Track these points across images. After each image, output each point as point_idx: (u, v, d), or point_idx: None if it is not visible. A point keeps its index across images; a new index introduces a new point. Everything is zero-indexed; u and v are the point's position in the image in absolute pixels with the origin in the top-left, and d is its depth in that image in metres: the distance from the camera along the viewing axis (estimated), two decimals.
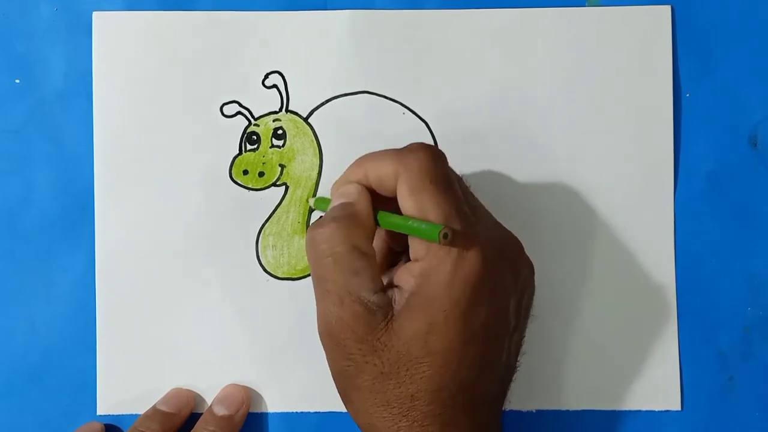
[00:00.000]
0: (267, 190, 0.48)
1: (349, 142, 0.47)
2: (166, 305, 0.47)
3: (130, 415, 0.47)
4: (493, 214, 0.43)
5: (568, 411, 0.48)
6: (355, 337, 0.39)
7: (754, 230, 0.48)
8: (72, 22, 0.48)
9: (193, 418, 0.47)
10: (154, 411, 0.46)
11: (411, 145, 0.41)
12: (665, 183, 0.48)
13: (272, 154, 0.48)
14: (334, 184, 0.43)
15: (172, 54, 0.48)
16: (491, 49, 0.48)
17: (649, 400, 0.48)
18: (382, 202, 0.41)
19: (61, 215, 0.48)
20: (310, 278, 0.47)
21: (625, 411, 0.48)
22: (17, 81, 0.48)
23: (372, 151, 0.42)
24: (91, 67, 0.48)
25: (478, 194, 0.43)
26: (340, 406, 0.41)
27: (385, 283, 0.40)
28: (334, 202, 0.42)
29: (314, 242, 0.40)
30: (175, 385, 0.47)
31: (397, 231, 0.40)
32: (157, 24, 0.48)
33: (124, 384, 0.47)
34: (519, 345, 0.43)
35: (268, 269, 0.48)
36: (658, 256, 0.48)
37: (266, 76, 0.48)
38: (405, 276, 0.39)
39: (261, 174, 0.48)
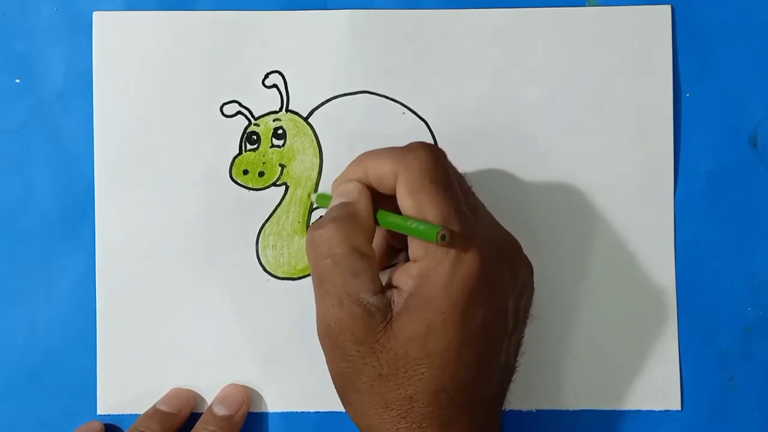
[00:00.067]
0: (267, 189, 0.48)
1: (349, 142, 0.47)
2: (166, 305, 0.47)
3: (130, 415, 0.47)
4: (493, 214, 0.43)
5: (567, 411, 0.48)
6: (354, 339, 0.39)
7: (754, 230, 0.48)
8: (72, 22, 0.48)
9: (193, 418, 0.47)
10: (154, 411, 0.46)
11: (411, 144, 0.41)
12: (665, 183, 0.48)
13: (272, 153, 0.48)
14: (335, 181, 0.43)
15: (172, 54, 0.48)
16: (491, 49, 0.48)
17: (649, 400, 0.48)
18: (382, 199, 0.41)
19: (61, 215, 0.48)
20: (309, 278, 0.47)
21: (625, 411, 0.48)
22: (17, 81, 0.48)
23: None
24: (91, 67, 0.48)
25: (477, 194, 0.43)
26: (340, 406, 0.41)
27: (384, 282, 0.40)
28: (334, 201, 0.42)
29: (314, 243, 0.40)
30: (175, 385, 0.47)
31: (395, 231, 0.40)
32: (157, 24, 0.48)
33: (124, 384, 0.47)
34: (518, 345, 0.43)
35: (268, 269, 0.48)
36: (658, 256, 0.48)
37: (266, 76, 0.48)
38: (403, 277, 0.39)
39: (261, 174, 0.48)
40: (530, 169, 0.48)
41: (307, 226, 0.48)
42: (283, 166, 0.48)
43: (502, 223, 0.43)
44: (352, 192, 0.41)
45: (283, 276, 0.48)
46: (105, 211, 0.47)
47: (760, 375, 0.48)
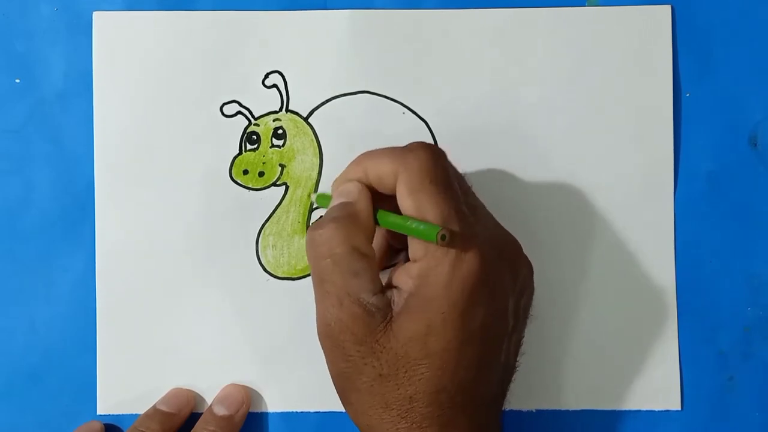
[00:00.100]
0: (267, 189, 0.48)
1: (349, 142, 0.47)
2: (166, 305, 0.47)
3: (130, 415, 0.47)
4: (493, 214, 0.43)
5: (567, 411, 0.48)
6: (354, 339, 0.39)
7: (754, 230, 0.48)
8: (72, 22, 0.48)
9: (193, 418, 0.47)
10: (154, 411, 0.46)
11: (411, 144, 0.41)
12: (665, 183, 0.48)
13: (272, 153, 0.48)
14: (335, 182, 0.43)
15: (172, 54, 0.48)
16: (491, 49, 0.48)
17: (649, 400, 0.48)
18: (382, 199, 0.41)
19: (61, 215, 0.48)
20: (310, 278, 0.47)
21: (625, 411, 0.48)
22: (17, 81, 0.48)
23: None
24: (91, 67, 0.48)
25: (477, 194, 0.43)
26: (340, 406, 0.41)
27: (384, 282, 0.40)
28: (334, 201, 0.42)
29: (314, 243, 0.40)
30: (175, 385, 0.47)
31: (395, 231, 0.40)
32: (157, 24, 0.48)
33: (124, 384, 0.47)
34: (518, 345, 0.43)
35: (268, 269, 0.48)
36: (658, 256, 0.48)
37: (266, 76, 0.48)
38: (403, 277, 0.39)
39: (261, 174, 0.48)
40: (530, 169, 0.48)
41: (307, 226, 0.48)
42: (283, 166, 0.48)
43: (502, 224, 0.43)
44: (352, 192, 0.41)
45: (283, 276, 0.48)
46: (105, 211, 0.47)
47: (760, 375, 0.48)
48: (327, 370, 0.41)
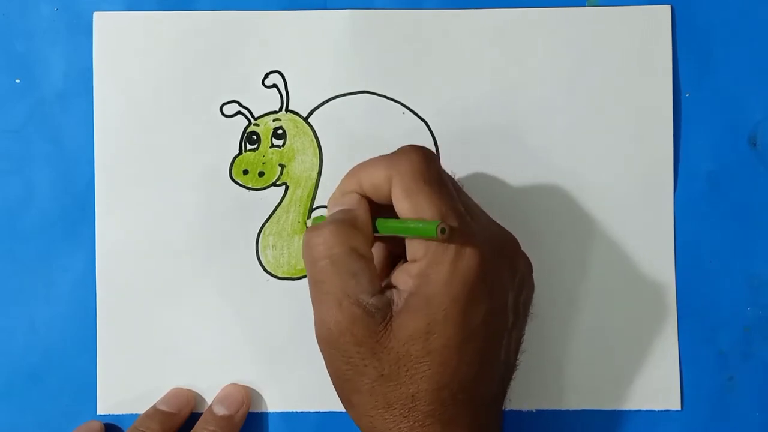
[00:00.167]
0: (267, 189, 0.48)
1: (349, 141, 0.47)
2: (166, 305, 0.47)
3: (130, 415, 0.47)
4: (493, 214, 0.43)
5: (568, 411, 0.48)
6: (354, 341, 0.39)
7: (754, 230, 0.48)
8: (72, 22, 0.48)
9: (193, 418, 0.47)
10: (154, 411, 0.46)
11: (402, 148, 0.41)
12: (665, 183, 0.48)
13: (272, 153, 0.48)
14: (330, 198, 0.43)
15: (172, 54, 0.48)
16: (491, 49, 0.48)
17: (649, 400, 0.48)
18: (380, 212, 0.41)
19: (61, 215, 0.48)
20: None
21: (625, 411, 0.48)
22: (17, 81, 0.48)
23: (371, 152, 0.42)
24: (91, 67, 0.48)
25: (477, 194, 0.43)
26: (340, 406, 0.41)
27: (382, 284, 0.40)
28: (333, 210, 0.42)
29: (311, 245, 0.40)
30: (175, 385, 0.47)
31: (395, 235, 0.40)
32: (157, 24, 0.48)
33: (124, 384, 0.47)
34: (518, 343, 0.43)
35: (268, 269, 0.48)
36: (658, 256, 0.48)
37: (266, 76, 0.48)
38: (403, 277, 0.39)
39: (261, 174, 0.48)
40: (530, 169, 0.48)
41: (307, 226, 0.48)
42: (283, 166, 0.48)
43: (502, 223, 0.43)
44: (352, 203, 0.41)
45: (283, 276, 0.48)
46: (105, 211, 0.47)
47: (760, 375, 0.48)
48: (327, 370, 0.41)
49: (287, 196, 0.48)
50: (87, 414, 0.47)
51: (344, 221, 0.40)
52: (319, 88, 0.48)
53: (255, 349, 0.47)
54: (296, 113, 0.48)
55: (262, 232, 0.48)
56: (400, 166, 0.40)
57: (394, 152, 0.41)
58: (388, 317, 0.39)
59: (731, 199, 0.48)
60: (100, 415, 0.47)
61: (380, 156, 0.41)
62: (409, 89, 0.48)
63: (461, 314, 0.38)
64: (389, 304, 0.39)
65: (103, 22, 0.48)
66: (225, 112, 0.48)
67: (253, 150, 0.48)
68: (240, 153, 0.48)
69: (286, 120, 0.48)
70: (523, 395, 0.47)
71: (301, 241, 0.47)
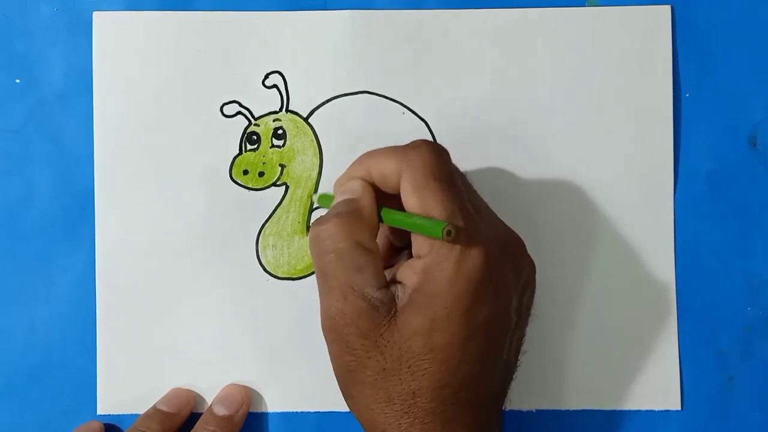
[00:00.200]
0: (267, 190, 0.48)
1: (349, 142, 0.47)
2: (166, 305, 0.47)
3: (130, 415, 0.47)
4: None
5: (568, 411, 0.48)
6: (359, 333, 0.39)
7: (754, 230, 0.48)
8: (72, 22, 0.48)
9: (193, 418, 0.47)
10: (154, 411, 0.46)
11: (414, 142, 0.41)
12: (665, 183, 0.48)
13: (272, 154, 0.48)
14: (337, 181, 0.43)
15: (172, 54, 0.48)
16: (491, 49, 0.48)
17: (649, 400, 0.48)
18: (385, 199, 0.41)
19: (61, 215, 0.48)
20: (309, 278, 0.47)
21: (625, 411, 0.48)
22: (17, 81, 0.48)
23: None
24: (91, 67, 0.48)
25: None
26: (340, 406, 0.42)
27: (388, 279, 0.40)
28: (338, 199, 0.42)
29: (317, 238, 0.40)
30: (175, 385, 0.47)
31: (400, 228, 0.40)
32: (157, 24, 0.48)
33: (124, 384, 0.47)
34: (520, 343, 0.43)
35: (268, 269, 0.48)
36: (658, 256, 0.48)
37: (266, 76, 0.48)
38: (408, 272, 0.39)
39: (261, 174, 0.48)
40: (530, 170, 0.48)
41: (307, 226, 0.48)
42: (283, 166, 0.48)
43: None
44: (356, 189, 0.41)
45: (283, 276, 0.48)
46: (105, 211, 0.47)
47: (760, 375, 0.48)
48: (327, 370, 0.41)
49: (287, 196, 0.48)
50: (87, 414, 0.47)
51: (349, 214, 0.40)
52: (319, 89, 0.48)
53: (255, 349, 0.47)
54: (296, 113, 0.48)
55: (262, 232, 0.48)
56: (411, 161, 0.40)
57: (406, 145, 0.41)
58: (392, 312, 0.39)
59: (731, 199, 0.48)
60: (100, 415, 0.47)
61: (391, 147, 0.41)
62: (409, 89, 0.48)
63: (465, 313, 0.38)
64: (393, 299, 0.39)
65: (103, 22, 0.48)
66: (225, 113, 0.48)
67: (254, 150, 0.48)
68: (240, 153, 0.48)
69: (286, 120, 0.48)
70: (523, 395, 0.47)
71: (302, 241, 0.47)
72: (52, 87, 0.48)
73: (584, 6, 0.48)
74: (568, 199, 0.48)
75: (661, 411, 0.48)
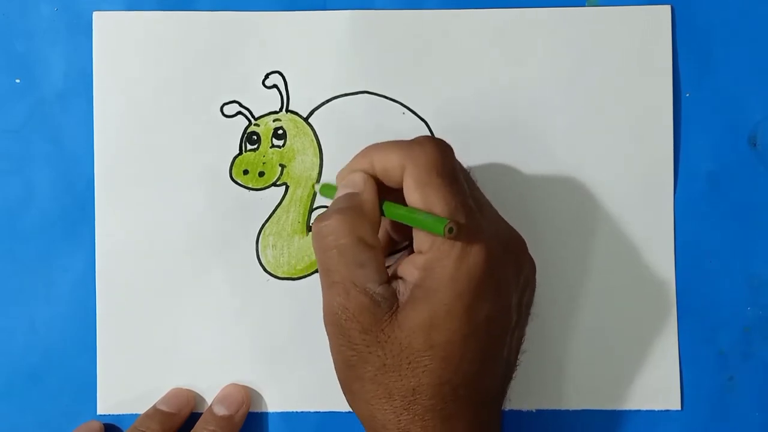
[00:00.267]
0: (267, 190, 0.48)
1: (349, 141, 0.47)
2: (166, 305, 0.47)
3: (130, 415, 0.47)
4: None
5: (568, 411, 0.48)
6: (360, 328, 0.39)
7: (754, 230, 0.48)
8: (72, 22, 0.48)
9: (193, 418, 0.47)
10: (154, 411, 0.46)
11: (418, 137, 0.41)
12: (665, 183, 0.48)
13: (272, 154, 0.48)
14: (340, 172, 0.43)
15: (172, 54, 0.48)
16: (491, 49, 0.48)
17: (649, 400, 0.48)
18: (387, 192, 0.41)
19: (61, 215, 0.48)
20: (309, 278, 0.47)
21: (625, 411, 0.48)
22: (17, 81, 0.48)
23: None
24: (91, 67, 0.48)
25: None
26: (340, 407, 0.42)
27: (390, 273, 0.40)
28: (340, 192, 0.41)
29: (320, 234, 0.40)
30: (175, 385, 0.47)
31: (401, 222, 0.40)
32: (157, 24, 0.48)
33: (124, 384, 0.47)
34: (519, 342, 0.43)
35: (268, 269, 0.48)
36: (658, 256, 0.48)
37: (266, 76, 0.48)
38: (409, 268, 0.39)
39: (261, 174, 0.48)
40: (530, 170, 0.48)
41: (308, 226, 0.48)
42: (283, 166, 0.48)
43: None
44: (358, 183, 0.41)
45: (283, 276, 0.48)
46: (105, 211, 0.47)
47: (760, 375, 0.48)
48: (327, 370, 0.41)
49: (287, 196, 0.48)
50: (87, 414, 0.47)
51: (351, 209, 0.40)
52: (320, 89, 0.48)
53: (255, 349, 0.47)
54: (296, 113, 0.48)
55: (262, 232, 0.48)
56: (415, 155, 0.40)
57: (411, 141, 0.41)
58: (394, 307, 0.39)
59: (731, 199, 0.48)
60: (100, 415, 0.47)
61: (396, 141, 0.41)
62: (409, 89, 0.48)
63: (465, 310, 0.38)
64: (395, 294, 0.39)
65: (102, 22, 0.48)
66: (225, 113, 0.48)
67: (254, 150, 0.48)
68: (240, 153, 0.48)
69: (286, 120, 0.48)
70: (523, 395, 0.47)
71: (302, 241, 0.47)
72: (52, 87, 0.48)
73: (584, 6, 0.48)
74: (568, 199, 0.48)
75: (661, 411, 0.48)
